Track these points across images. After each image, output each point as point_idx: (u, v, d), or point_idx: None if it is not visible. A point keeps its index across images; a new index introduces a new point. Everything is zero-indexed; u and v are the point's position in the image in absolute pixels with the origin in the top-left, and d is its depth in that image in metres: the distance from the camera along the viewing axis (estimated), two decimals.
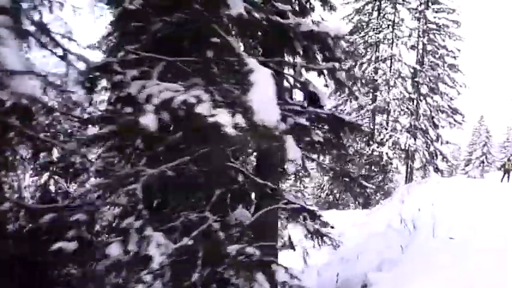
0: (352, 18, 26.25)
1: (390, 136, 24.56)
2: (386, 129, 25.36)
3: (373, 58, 25.76)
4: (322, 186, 29.11)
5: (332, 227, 5.88)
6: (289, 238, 6.08)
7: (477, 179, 26.81)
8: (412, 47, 24.70)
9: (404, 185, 19.56)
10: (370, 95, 26.13)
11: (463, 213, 7.89)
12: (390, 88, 24.84)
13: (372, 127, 26.18)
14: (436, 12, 25.13)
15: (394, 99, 24.50)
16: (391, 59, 25.52)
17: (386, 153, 24.09)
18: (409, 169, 26.62)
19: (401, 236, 8.01)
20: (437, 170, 25.82)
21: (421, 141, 25.71)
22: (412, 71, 25.34)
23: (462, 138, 59.41)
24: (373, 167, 25.83)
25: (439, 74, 25.05)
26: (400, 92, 24.58)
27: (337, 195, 26.61)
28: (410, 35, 24.92)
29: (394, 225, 9.19)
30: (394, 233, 8.59)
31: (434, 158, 25.15)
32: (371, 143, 25.31)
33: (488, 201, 9.40)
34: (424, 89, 25.34)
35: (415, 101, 25.56)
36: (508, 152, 45.61)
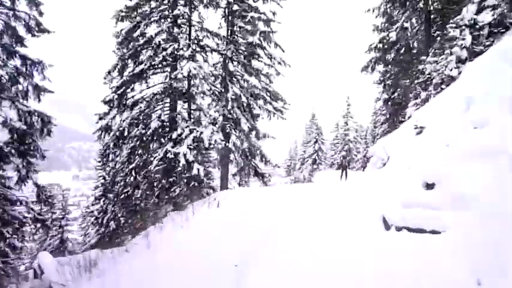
0: None
1: (191, 131, 17.08)
2: (186, 120, 17.86)
3: (163, 22, 17.97)
4: (105, 209, 19.99)
5: None
6: None
7: (301, 182, 21.65)
8: (212, 4, 17.83)
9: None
10: (166, 74, 18.37)
11: None
12: (188, 62, 17.39)
13: (168, 118, 18.39)
14: None
15: (193, 75, 17.08)
16: (189, 24, 18.23)
17: (185, 155, 16.49)
18: (223, 175, 19.82)
19: None
20: (256, 173, 19.64)
21: (235, 136, 19.15)
22: (216, 40, 18.61)
23: (299, 136, 58.21)
24: (175, 177, 17.99)
25: (252, 45, 18.88)
26: (200, 67, 17.30)
27: (122, 220, 17.86)
28: None
29: None
30: None
31: (250, 157, 18.84)
32: (163, 141, 17.46)
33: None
34: (233, 66, 18.83)
35: (224, 82, 18.87)
36: (337, 149, 44.76)
